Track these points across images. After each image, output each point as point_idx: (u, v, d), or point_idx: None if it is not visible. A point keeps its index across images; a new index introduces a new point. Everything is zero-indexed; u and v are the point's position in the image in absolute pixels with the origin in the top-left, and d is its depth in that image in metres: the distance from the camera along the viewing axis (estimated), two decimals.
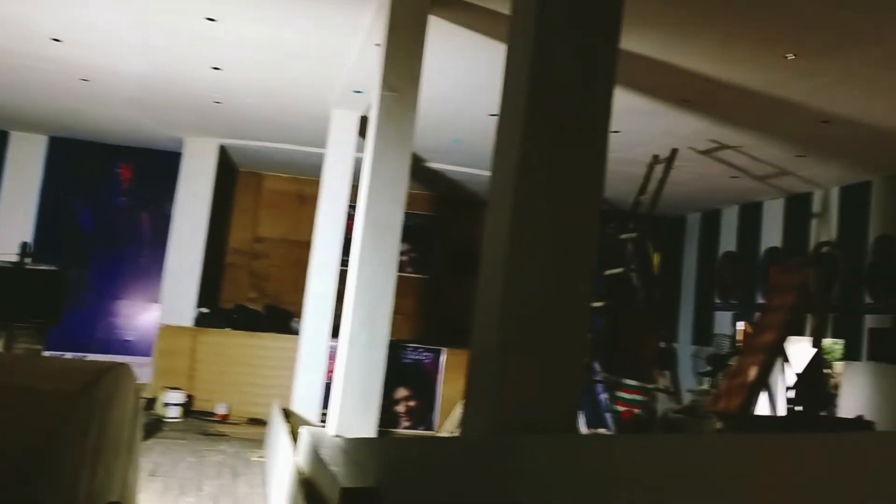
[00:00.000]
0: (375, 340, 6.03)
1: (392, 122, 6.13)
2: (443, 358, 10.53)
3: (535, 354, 3.03)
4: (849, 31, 5.54)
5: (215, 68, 7.91)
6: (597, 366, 9.01)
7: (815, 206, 10.57)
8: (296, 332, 9.60)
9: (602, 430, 8.76)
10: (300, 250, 11.11)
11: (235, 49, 7.31)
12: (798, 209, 10.86)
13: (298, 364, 8.83)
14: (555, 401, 3.07)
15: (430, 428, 10.34)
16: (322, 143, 9.28)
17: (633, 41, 6.10)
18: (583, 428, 8.87)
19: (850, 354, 9.69)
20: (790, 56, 6.10)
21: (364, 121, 8.68)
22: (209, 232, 11.16)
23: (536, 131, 2.98)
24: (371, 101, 6.51)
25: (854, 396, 9.40)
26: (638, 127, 8.33)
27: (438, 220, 13.15)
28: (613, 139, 9.03)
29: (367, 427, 6.07)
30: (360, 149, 7.52)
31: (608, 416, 8.95)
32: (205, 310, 10.99)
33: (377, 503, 3.98)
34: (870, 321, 9.43)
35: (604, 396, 9.08)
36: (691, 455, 1.65)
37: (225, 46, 7.27)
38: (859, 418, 7.32)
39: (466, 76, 7.33)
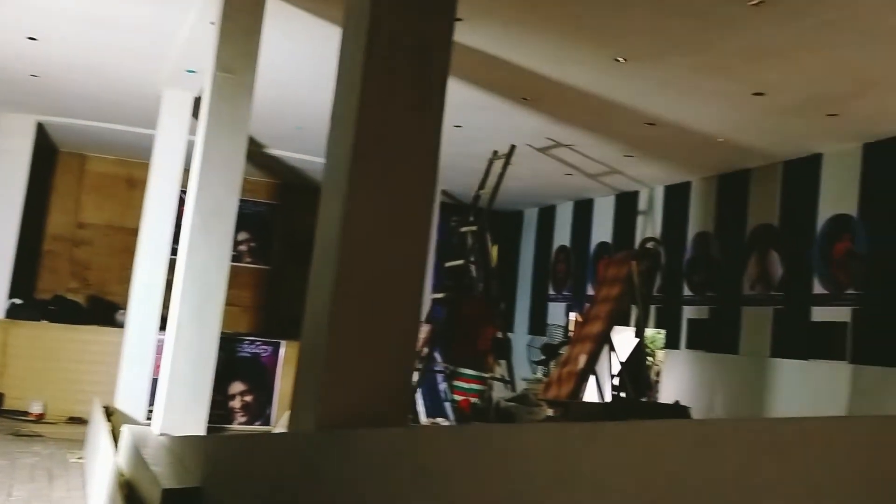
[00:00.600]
0: (206, 333, 5.75)
1: (226, 105, 5.86)
2: (282, 351, 10.28)
3: (366, 346, 2.97)
4: (674, 39, 5.88)
5: (31, 38, 7.25)
6: (437, 356, 9.11)
7: (642, 204, 11.22)
8: (121, 325, 9.01)
9: (441, 420, 8.87)
10: (127, 237, 10.46)
11: (53, 18, 6.72)
12: (626, 206, 11.49)
13: (123, 359, 8.30)
14: (386, 393, 3.03)
15: (267, 423, 10.06)
16: (153, 123, 8.75)
17: (474, 36, 6.17)
18: (423, 418, 8.94)
19: (670, 343, 10.39)
20: (621, 59, 6.39)
21: (198, 102, 8.27)
22: (24, 217, 10.25)
23: (370, 120, 2.91)
24: (204, 81, 6.20)
25: (674, 382, 10.09)
26: (479, 122, 8.47)
27: (280, 209, 12.81)
28: (455, 133, 9.19)
29: (195, 424, 5.79)
30: (193, 131, 7.15)
31: (447, 405, 9.08)
32: (17, 301, 10.10)
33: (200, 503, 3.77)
34: (688, 312, 10.14)
35: (443, 386, 9.19)
36: (504, 443, 1.65)
37: (41, 15, 6.67)
38: (676, 403, 7.85)
39: (309, 62, 7.14)
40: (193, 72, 7.57)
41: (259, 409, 10.13)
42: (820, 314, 8.34)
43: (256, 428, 9.89)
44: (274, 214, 12.78)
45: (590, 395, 8.00)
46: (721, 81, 6.62)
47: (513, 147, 8.49)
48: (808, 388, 8.27)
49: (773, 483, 1.03)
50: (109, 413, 7.80)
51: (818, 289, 8.40)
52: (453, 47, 6.36)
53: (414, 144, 3.01)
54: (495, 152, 8.93)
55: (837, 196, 8.30)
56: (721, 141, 8.37)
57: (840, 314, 8.09)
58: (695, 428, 1.26)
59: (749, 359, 9.14)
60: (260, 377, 10.17)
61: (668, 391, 9.98)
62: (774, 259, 9.00)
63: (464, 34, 6.01)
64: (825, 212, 8.43)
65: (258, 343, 10.31)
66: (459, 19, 5.67)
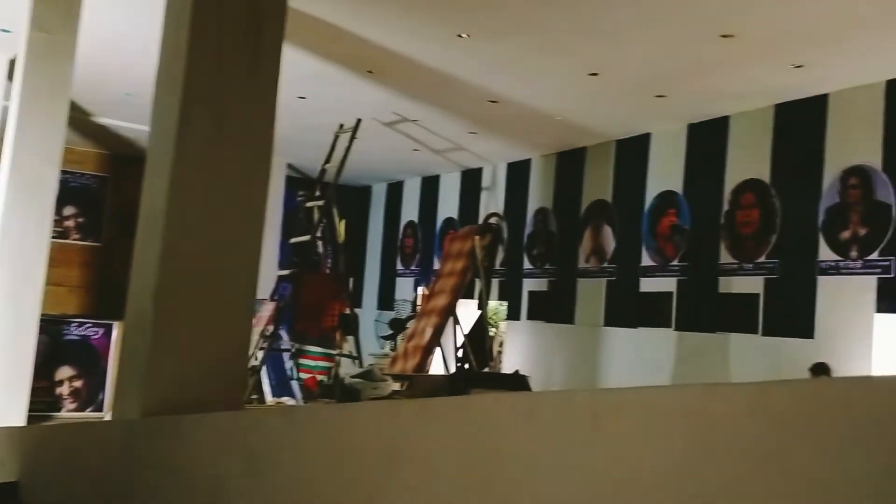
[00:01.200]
0: (23, 317, 5.31)
1: (44, 68, 5.39)
2: (115, 332, 9.69)
3: (196, 325, 2.82)
4: (514, 17, 5.99)
5: None
6: (283, 333, 8.92)
7: (486, 180, 11.47)
8: None
9: (288, 399, 8.71)
10: None
11: None
12: (471, 182, 11.71)
13: None
14: (220, 375, 2.90)
15: (100, 409, 9.48)
16: None
17: (315, 4, 6.00)
18: (269, 398, 8.75)
19: (512, 315, 10.74)
20: (464, 35, 6.44)
21: (13, 64, 7.56)
22: None
23: (197, 88, 2.75)
24: (19, 42, 5.66)
25: (516, 352, 10.45)
26: (324, 94, 8.30)
27: (110, 181, 12.00)
28: (300, 105, 8.94)
29: (14, 415, 5.35)
30: (8, 96, 6.53)
31: (294, 384, 8.92)
32: None
33: (17, 500, 3.49)
34: (529, 284, 10.51)
35: (289, 364, 9.02)
36: (333, 423, 1.61)
37: None
38: (515, 373, 8.14)
39: (137, 22, 6.68)
40: (8, 31, 6.90)
41: (90, 395, 9.53)
42: (648, 285, 8.89)
43: (88, 415, 9.31)
44: (104, 187, 11.96)
45: (436, 367, 8.12)
46: (559, 61, 6.84)
47: (359, 121, 8.39)
48: (637, 355, 8.82)
49: (593, 456, 1.04)
50: None
51: (647, 261, 8.94)
52: (292, 15, 6.15)
53: (246, 114, 2.87)
54: (341, 126, 8.79)
55: (664, 173, 8.85)
56: (559, 119, 8.68)
57: (666, 284, 8.66)
58: (519, 401, 1.27)
59: (584, 328, 9.61)
60: (90, 361, 9.55)
61: (511, 361, 10.33)
62: (608, 233, 9.49)
63: (304, 1, 5.84)
64: (653, 188, 8.97)
65: (87, 325, 9.67)
66: None
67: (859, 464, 0.78)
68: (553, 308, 10.07)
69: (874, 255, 6.75)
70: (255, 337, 8.28)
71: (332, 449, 1.59)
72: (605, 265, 9.45)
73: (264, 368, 8.60)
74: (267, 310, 8.43)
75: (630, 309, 9.04)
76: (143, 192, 2.95)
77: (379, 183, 13.67)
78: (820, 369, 6.88)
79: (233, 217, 2.85)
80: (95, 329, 9.66)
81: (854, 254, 6.91)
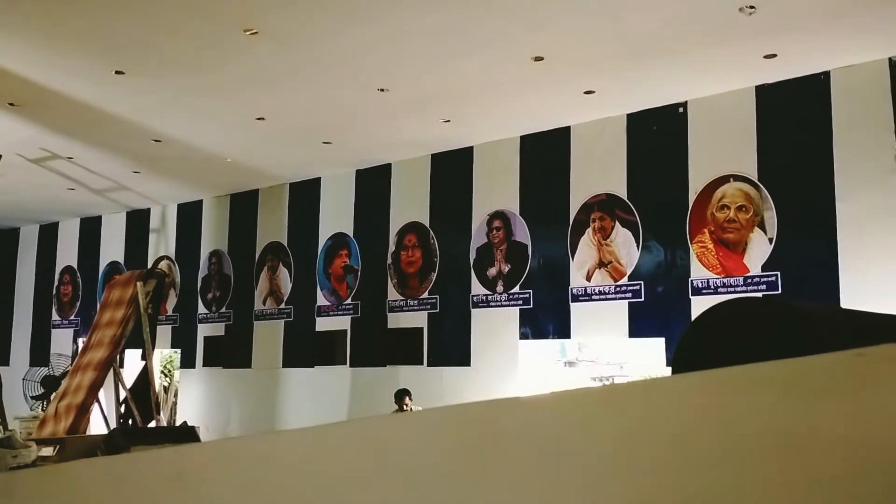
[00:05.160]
0: None
1: None
2: None
3: None
4: (171, 57, 5.83)
5: None
6: None
7: (154, 222, 10.89)
8: None
9: None
10: None
11: None
12: (138, 223, 11.03)
13: None
14: None
15: None
16: None
17: None
18: None
19: (186, 362, 10.25)
20: (122, 72, 6.11)
21: None
22: None
23: None
24: None
25: (191, 401, 9.97)
26: None
27: None
28: None
29: None
30: None
31: None
32: None
33: None
34: (204, 329, 10.14)
35: None
36: None
37: None
38: (184, 424, 7.77)
39: None
40: None
41: None
42: (324, 324, 9.08)
43: None
44: None
45: (96, 427, 7.44)
46: (224, 104, 6.79)
47: None
48: (315, 393, 8.93)
49: None
50: None
51: (322, 300, 9.14)
52: None
53: None
54: None
55: (335, 215, 9.16)
56: (229, 161, 8.58)
57: (341, 323, 8.93)
58: (103, 465, 1.24)
59: (262, 371, 9.51)
60: None
61: (186, 411, 9.84)
62: (284, 275, 9.54)
63: None
64: (326, 230, 9.23)
65: None
66: None
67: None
68: (230, 352, 9.83)
69: (516, 289, 7.63)
70: None
71: None
72: (283, 306, 9.48)
73: None
74: None
75: (307, 349, 9.15)
76: None
77: (29, 224, 12.28)
78: (401, 395, 7.56)
79: None
80: None
81: (500, 288, 7.74)
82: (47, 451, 5.93)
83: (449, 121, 7.21)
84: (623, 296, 6.94)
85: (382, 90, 6.42)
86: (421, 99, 6.65)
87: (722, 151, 6.52)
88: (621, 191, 7.04)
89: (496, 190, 7.86)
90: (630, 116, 7.02)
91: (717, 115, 6.57)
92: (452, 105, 6.82)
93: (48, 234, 12.12)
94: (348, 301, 8.92)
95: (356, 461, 0.92)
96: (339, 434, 0.98)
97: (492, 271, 7.82)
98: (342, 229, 9.07)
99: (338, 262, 9.08)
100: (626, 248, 6.97)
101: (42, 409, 8.29)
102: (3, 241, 12.18)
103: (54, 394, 7.80)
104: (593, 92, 6.47)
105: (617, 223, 7.05)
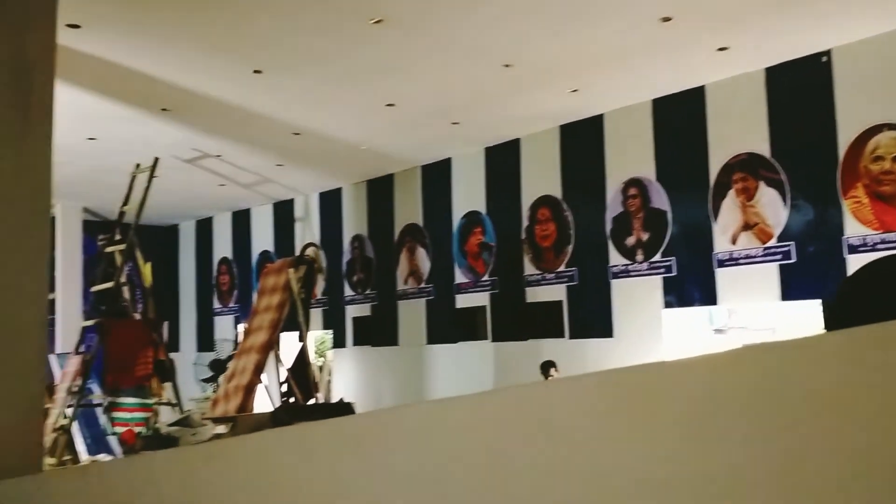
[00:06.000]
0: None
1: None
2: None
3: None
4: (305, 53, 6.10)
5: None
6: (93, 387, 8.40)
7: (299, 211, 11.45)
8: None
9: (106, 456, 8.20)
10: None
11: None
12: (284, 214, 11.64)
13: None
14: (12, 440, 2.76)
15: None
16: None
17: (97, 45, 5.80)
18: (84, 456, 8.19)
19: (338, 342, 10.77)
20: (262, 72, 6.47)
21: None
22: None
23: None
24: None
25: (344, 380, 10.48)
26: (117, 134, 7.98)
27: None
28: (90, 147, 8.52)
29: None
30: None
31: (111, 439, 8.42)
32: None
33: None
34: (352, 311, 10.60)
35: (103, 419, 8.50)
36: (128, 476, 1.63)
37: None
38: (340, 401, 8.17)
39: None
40: None
41: None
42: (463, 301, 9.27)
43: None
44: None
45: (261, 405, 7.97)
46: (355, 93, 7.03)
47: (156, 159, 8.11)
48: (460, 368, 9.15)
49: (366, 481, 1.15)
50: None
51: (460, 278, 9.33)
52: (75, 56, 5.91)
53: (18, 161, 2.77)
54: (138, 165, 8.46)
55: (468, 194, 9.29)
56: (364, 148, 8.88)
57: (480, 299, 9.08)
58: (293, 434, 1.37)
59: (408, 348, 9.84)
60: None
61: (341, 389, 10.35)
62: (422, 254, 9.80)
63: (84, 41, 5.63)
64: (459, 209, 9.38)
65: None
66: (76, 26, 5.32)
67: (582, 461, 0.93)
68: (377, 332, 10.23)
69: (657, 257, 7.48)
70: (61, 394, 7.75)
71: (128, 502, 1.61)
72: (423, 285, 9.74)
73: (76, 426, 8.07)
74: (73, 364, 7.92)
75: (449, 325, 9.37)
76: None
77: (186, 221, 13.22)
78: (547, 366, 7.54)
79: (12, 273, 2.73)
80: None
81: (640, 257, 7.61)
82: (221, 429, 6.44)
83: (577, 90, 7.13)
84: (772, 258, 6.66)
85: (507, 66, 6.43)
86: (547, 71, 6.61)
87: (872, 100, 6.09)
88: (764, 149, 6.73)
89: (630, 157, 7.71)
90: (769, 70, 6.68)
91: (864, 62, 6.13)
92: (579, 74, 6.74)
93: (204, 229, 13.01)
94: (486, 277, 9.05)
95: (519, 424, 0.99)
96: (502, 399, 1.05)
97: (630, 240, 7.70)
98: (475, 207, 9.19)
99: (473, 239, 9.22)
100: (773, 208, 6.67)
101: (213, 391, 8.97)
102: (165, 237, 13.19)
103: (222, 376, 8.43)
104: (727, 48, 6.21)
105: (761, 183, 6.75)
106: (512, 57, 6.25)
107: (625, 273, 7.71)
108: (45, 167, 2.84)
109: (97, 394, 8.35)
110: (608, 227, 7.85)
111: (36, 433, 2.90)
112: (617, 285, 7.78)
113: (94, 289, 8.48)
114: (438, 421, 1.05)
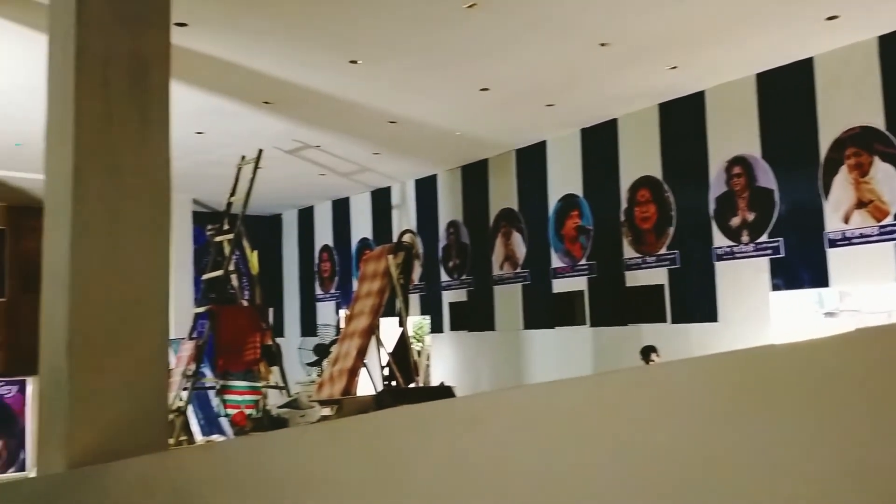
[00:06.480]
0: None
1: None
2: (29, 389, 9.37)
3: (112, 372, 2.86)
4: (399, 41, 6.17)
5: None
6: (206, 371, 8.81)
7: (395, 199, 11.62)
8: None
9: (219, 437, 8.60)
10: None
11: None
12: (381, 201, 11.84)
13: None
14: (141, 419, 2.93)
15: (23, 469, 9.13)
16: None
17: (204, 42, 6.04)
18: (199, 437, 8.61)
19: (435, 328, 10.90)
20: (358, 62, 6.58)
21: None
22: None
23: (88, 136, 2.80)
24: None
25: (443, 364, 10.61)
26: (222, 128, 8.29)
27: (9, 234, 11.60)
28: (198, 140, 8.89)
29: None
30: None
31: (223, 421, 8.81)
32: None
33: None
34: (448, 296, 10.70)
35: (215, 402, 8.91)
36: (251, 454, 1.72)
37: None
38: (441, 385, 8.28)
39: (20, 72, 6.57)
40: None
41: (11, 455, 9.18)
42: (560, 285, 9.20)
43: (10, 476, 8.95)
44: (2, 241, 11.55)
45: (363, 388, 8.18)
46: (449, 79, 7.06)
47: (260, 151, 8.40)
48: (558, 353, 9.10)
49: (483, 457, 1.18)
50: None
51: (556, 262, 9.26)
52: (182, 53, 6.17)
53: (140, 161, 2.94)
54: (243, 157, 8.78)
55: (563, 177, 9.19)
56: (458, 134, 8.91)
57: (577, 284, 8.99)
58: (410, 413, 1.41)
59: (505, 333, 9.86)
60: (7, 420, 9.21)
61: (440, 373, 10.49)
62: (517, 239, 9.78)
63: (191, 39, 5.87)
64: (555, 193, 9.30)
65: (0, 383, 9.32)
66: (183, 24, 5.55)
67: (695, 442, 0.93)
68: (474, 317, 10.29)
69: (763, 238, 7.21)
70: (176, 377, 8.16)
71: (251, 478, 1.69)
72: (519, 270, 9.73)
73: (190, 408, 8.48)
74: (186, 349, 8.33)
75: (546, 310, 9.33)
76: (44, 248, 2.97)
77: (289, 210, 13.63)
78: (647, 351, 7.33)
79: (138, 264, 2.90)
80: (8, 387, 9.33)
81: (745, 238, 7.36)
82: (327, 411, 6.65)
83: (676, 67, 6.93)
84: (888, 237, 6.31)
85: (604, 45, 6.32)
86: (645, 48, 6.46)
87: None
88: (878, 122, 6.37)
89: (733, 134, 7.45)
90: (882, 39, 6.31)
91: None
92: (679, 50, 6.55)
93: (305, 217, 13.39)
94: (583, 261, 8.95)
95: (635, 406, 0.99)
96: (620, 381, 1.05)
97: (735, 221, 7.45)
98: (571, 190, 9.09)
99: (569, 223, 9.12)
100: (889, 184, 6.31)
101: (317, 375, 9.27)
102: (269, 226, 13.65)
103: (326, 360, 8.69)
104: (836, 17, 5.90)
105: (876, 158, 6.39)
106: (608, 35, 6.13)
107: (729, 255, 7.47)
108: (165, 163, 2.99)
109: (209, 377, 8.75)
110: (711, 207, 7.62)
111: (162, 415, 3.08)
112: (721, 268, 7.55)
113: (205, 277, 8.87)
114: (557, 401, 1.06)
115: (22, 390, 9.38)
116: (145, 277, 2.91)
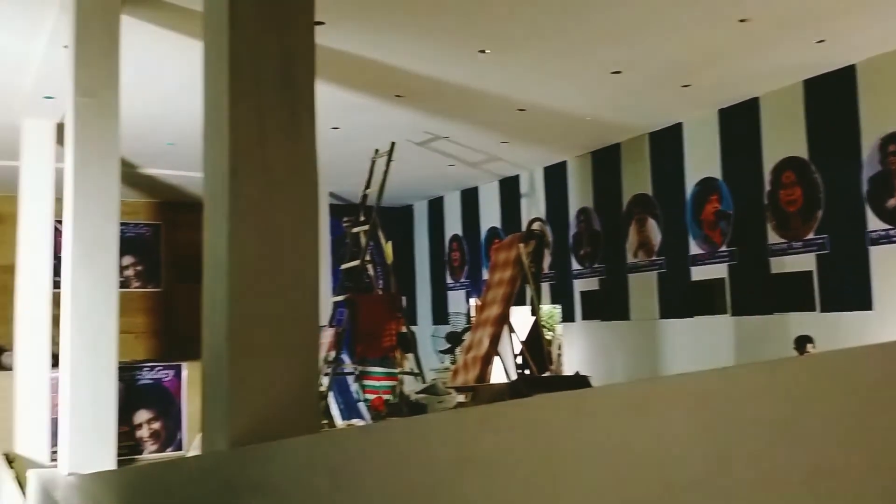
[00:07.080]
0: (103, 365, 5.59)
1: (92, 129, 5.68)
2: (184, 373, 10.04)
3: (268, 357, 3.02)
4: (530, 27, 6.13)
5: None
6: (345, 358, 9.14)
7: (524, 187, 11.58)
8: (9, 368, 8.59)
9: (357, 421, 8.91)
10: (2, 275, 9.93)
11: None
12: (510, 190, 11.83)
13: (17, 401, 7.92)
14: (295, 402, 3.08)
15: (179, 448, 9.82)
16: (14, 154, 8.35)
17: (338, 39, 6.23)
18: (339, 421, 8.96)
19: (567, 317, 10.80)
20: (485, 51, 6.60)
21: (62, 129, 7.96)
22: None
23: (242, 133, 2.95)
24: (66, 107, 5.99)
25: (575, 353, 10.51)
26: (356, 123, 8.54)
27: (163, 228, 12.46)
28: (334, 135, 9.20)
29: (104, 459, 5.63)
30: (61, 159, 6.89)
31: (361, 405, 9.12)
32: None
33: None
34: (580, 285, 10.57)
35: (354, 387, 9.23)
36: (406, 436, 1.77)
37: None
38: (576, 374, 8.21)
39: (172, 76, 7.02)
40: (52, 98, 7.29)
41: (169, 436, 9.88)
42: (699, 273, 8.88)
43: (169, 455, 9.65)
44: (158, 235, 12.42)
45: (496, 376, 8.24)
46: (579, 64, 6.95)
47: (393, 144, 8.60)
48: (697, 344, 8.81)
49: (652, 444, 1.16)
50: (10, 460, 7.44)
51: (694, 249, 8.95)
52: (319, 51, 6.40)
53: (290, 151, 3.06)
54: (377, 150, 9.02)
55: (701, 161, 8.86)
56: (589, 119, 8.76)
57: (717, 271, 8.65)
58: (570, 399, 1.41)
59: (640, 322, 9.63)
60: (165, 403, 9.91)
61: (571, 363, 10.39)
62: (652, 226, 9.51)
63: (327, 37, 6.07)
64: (692, 176, 8.98)
65: (158, 368, 10.03)
66: (321, 23, 5.74)
67: (868, 431, 0.89)
68: (606, 306, 10.12)
69: None
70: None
71: (406, 459, 1.74)
72: (654, 258, 9.47)
73: (331, 393, 8.83)
74: (327, 336, 8.66)
75: (684, 299, 9.04)
76: (205, 242, 3.16)
77: (419, 201, 13.88)
78: (802, 341, 6.87)
79: (291, 254, 3.04)
80: (166, 371, 10.02)
81: None
82: (461, 398, 6.75)
83: (823, 40, 6.52)
84: None
85: (743, 21, 6.03)
86: (788, 22, 6.11)
87: None
88: None
89: (889, 109, 6.92)
90: None
91: None
92: (826, 22, 6.15)
93: (435, 208, 13.59)
94: (723, 248, 8.60)
95: (810, 394, 0.95)
96: (792, 368, 1.01)
97: (892, 202, 6.94)
98: (710, 174, 8.75)
99: (708, 208, 8.79)
100: None
101: (451, 362, 9.42)
102: (401, 217, 13.95)
103: (459, 347, 8.82)
104: None
105: None
106: (748, 10, 5.84)
107: (886, 239, 6.98)
108: (312, 157, 3.11)
109: (348, 363, 9.07)
110: (864, 188, 7.13)
111: (314, 398, 3.23)
112: (876, 252, 7.06)
113: (343, 267, 9.19)
114: (730, 388, 1.03)
115: (178, 375, 10.05)
116: (298, 266, 3.05)
